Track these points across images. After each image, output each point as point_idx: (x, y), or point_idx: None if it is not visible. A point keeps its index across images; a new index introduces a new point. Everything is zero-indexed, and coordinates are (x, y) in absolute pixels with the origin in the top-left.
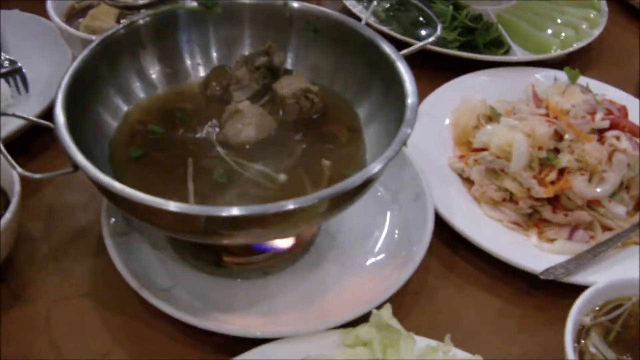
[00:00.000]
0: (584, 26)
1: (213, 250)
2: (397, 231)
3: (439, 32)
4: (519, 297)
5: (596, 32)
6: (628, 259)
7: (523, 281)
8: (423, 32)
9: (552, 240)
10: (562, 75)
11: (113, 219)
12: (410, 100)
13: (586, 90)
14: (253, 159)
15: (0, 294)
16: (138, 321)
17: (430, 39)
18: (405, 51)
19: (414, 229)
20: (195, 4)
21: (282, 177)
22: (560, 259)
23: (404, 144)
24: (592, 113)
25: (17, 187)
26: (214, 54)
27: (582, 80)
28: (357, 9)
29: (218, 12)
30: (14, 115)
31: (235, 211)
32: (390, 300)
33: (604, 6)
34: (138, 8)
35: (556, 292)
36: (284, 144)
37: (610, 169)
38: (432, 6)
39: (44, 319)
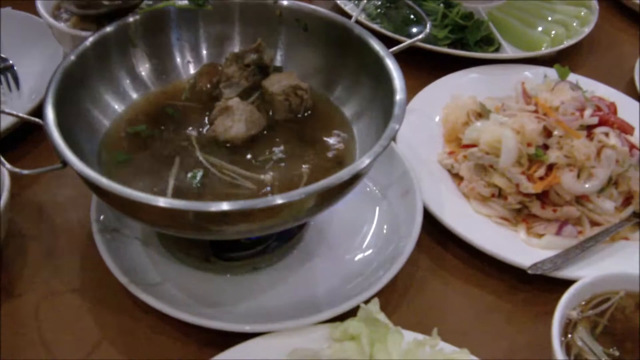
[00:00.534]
0: (574, 24)
1: (202, 246)
2: (385, 226)
3: (428, 29)
4: (507, 291)
5: (586, 30)
6: (616, 254)
7: (511, 276)
8: (414, 30)
9: (540, 236)
10: (552, 72)
11: (102, 216)
12: (399, 96)
13: (575, 87)
14: (241, 155)
15: None
16: (127, 317)
17: (420, 37)
18: (394, 48)
19: (403, 224)
20: (185, 1)
21: (268, 174)
22: (549, 254)
23: (393, 139)
24: (581, 110)
25: (6, 183)
26: (204, 52)
27: (572, 77)
28: (347, 6)
29: (208, 10)
30: (3, 112)
31: (223, 206)
32: (378, 294)
33: (595, 4)
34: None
35: (544, 286)
36: (273, 140)
37: (598, 164)
38: (422, 4)
39: (33, 314)
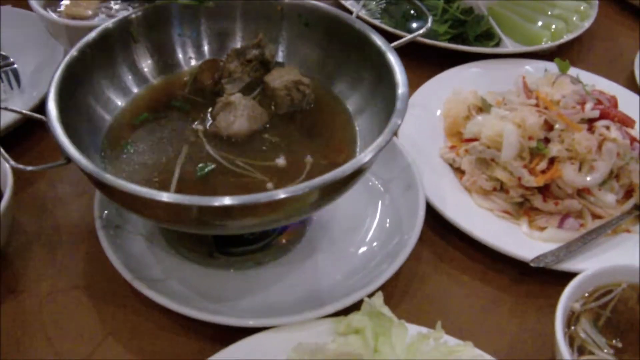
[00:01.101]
0: (574, 18)
1: (206, 242)
2: (388, 220)
3: (429, 24)
4: (509, 284)
5: (586, 24)
6: (618, 247)
7: (514, 269)
8: (414, 25)
9: (542, 229)
10: (552, 66)
11: (106, 212)
12: (401, 90)
13: (576, 80)
14: (243, 151)
15: None
16: (131, 312)
17: (421, 31)
18: (395, 43)
19: (406, 218)
20: None
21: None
22: (551, 246)
23: (395, 134)
24: (582, 103)
25: (9, 180)
26: (206, 47)
27: (572, 71)
28: (348, 2)
29: (210, 6)
30: (6, 108)
31: (227, 201)
32: (381, 288)
33: None
34: None
35: (547, 279)
36: (275, 135)
37: (600, 158)
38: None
39: (37, 311)
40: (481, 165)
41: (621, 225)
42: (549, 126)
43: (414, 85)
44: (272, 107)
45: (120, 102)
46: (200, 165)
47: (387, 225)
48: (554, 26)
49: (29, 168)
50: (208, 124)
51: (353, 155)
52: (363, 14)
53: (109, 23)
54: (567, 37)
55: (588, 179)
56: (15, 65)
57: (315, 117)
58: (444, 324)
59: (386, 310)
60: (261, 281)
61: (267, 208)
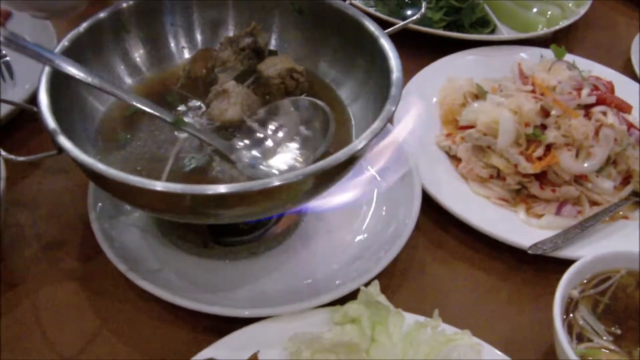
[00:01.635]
0: (570, 4)
1: (200, 232)
2: (384, 208)
3: (423, 9)
4: (507, 272)
5: (582, 10)
6: (616, 233)
7: (511, 257)
8: (408, 12)
9: (540, 216)
10: (548, 53)
11: (100, 204)
12: (395, 75)
13: (572, 66)
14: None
15: None
16: (126, 304)
17: (415, 17)
18: (389, 30)
19: (402, 207)
20: None
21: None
22: (549, 234)
23: (389, 120)
24: (578, 89)
25: (2, 172)
26: (199, 37)
27: (568, 57)
28: None
29: None
30: None
31: (220, 189)
32: (378, 277)
33: None
34: None
35: (545, 267)
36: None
37: (597, 144)
38: None
39: (32, 304)
40: (477, 152)
41: (619, 212)
42: (545, 112)
43: (408, 73)
44: (266, 96)
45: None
46: (197, 154)
47: (383, 213)
48: (549, 12)
49: (21, 158)
50: (201, 112)
51: (347, 143)
52: (356, 1)
53: (101, 13)
54: (562, 24)
55: (585, 165)
56: (8, 58)
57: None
58: (441, 312)
59: (383, 299)
60: (256, 271)
61: (261, 196)
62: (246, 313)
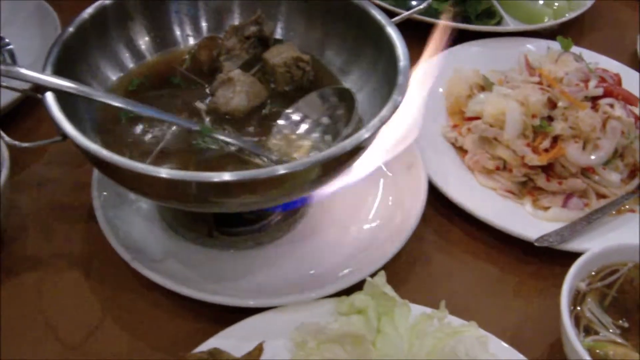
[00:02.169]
0: None
1: (205, 222)
2: (390, 199)
3: None
4: (514, 264)
5: (589, 2)
6: (622, 226)
7: (518, 249)
8: (414, 3)
9: (546, 208)
10: (554, 45)
11: (104, 192)
12: (402, 63)
13: (579, 58)
14: (241, 127)
15: None
16: (130, 293)
17: (421, 6)
18: (395, 19)
19: (408, 198)
20: None
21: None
22: (555, 226)
23: (396, 110)
24: (586, 81)
25: (6, 159)
26: (204, 25)
27: (575, 50)
28: None
29: None
30: (1, 86)
31: (226, 177)
32: (384, 268)
33: None
34: None
35: (551, 259)
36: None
37: (604, 136)
38: None
39: (35, 292)
40: (484, 144)
41: (625, 205)
42: (552, 104)
43: (414, 64)
44: (272, 84)
45: (116, 79)
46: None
47: (390, 204)
48: (556, 4)
49: (25, 144)
50: (206, 101)
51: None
52: None
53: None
54: (569, 16)
55: (592, 157)
56: (12, 46)
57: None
58: (447, 304)
59: (389, 290)
60: (262, 261)
61: (266, 184)
62: (251, 303)
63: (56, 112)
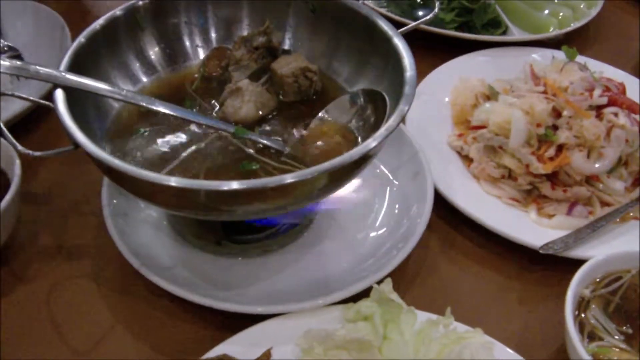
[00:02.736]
0: (581, 6)
1: (214, 230)
2: (397, 206)
3: (436, 9)
4: (518, 271)
5: (593, 12)
6: (627, 234)
7: (522, 256)
8: (420, 13)
9: (551, 216)
10: (559, 54)
11: (114, 200)
12: (409, 73)
13: (584, 67)
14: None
15: (0, 276)
16: (139, 300)
17: (428, 17)
18: (402, 29)
19: (414, 205)
20: None
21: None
22: (560, 234)
23: (402, 121)
24: (590, 90)
25: (17, 168)
26: (213, 35)
27: (580, 59)
28: None
29: None
30: (13, 95)
31: (234, 185)
32: (390, 275)
33: None
34: None
35: (555, 267)
36: (282, 121)
37: (608, 144)
38: None
39: (45, 299)
40: (489, 152)
41: (629, 213)
42: (557, 113)
43: (421, 73)
44: (280, 95)
45: (127, 89)
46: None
47: (396, 211)
48: (561, 14)
49: (38, 153)
50: (215, 111)
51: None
52: (369, 3)
53: (117, 10)
54: (574, 25)
55: (596, 165)
56: (22, 57)
57: (322, 104)
58: (452, 310)
59: (395, 296)
60: (269, 269)
61: (275, 192)
62: (259, 310)
63: (68, 121)
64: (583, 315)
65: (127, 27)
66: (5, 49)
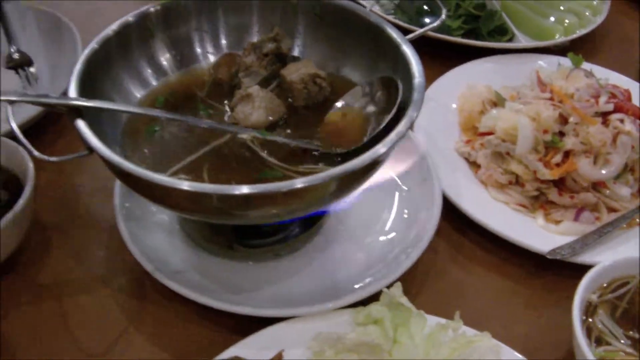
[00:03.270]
0: (587, 13)
1: (225, 234)
2: (406, 211)
3: (443, 16)
4: (526, 276)
5: (599, 19)
6: (633, 240)
7: (530, 261)
8: (427, 21)
9: (558, 222)
10: (565, 61)
11: (127, 204)
12: (417, 80)
13: (590, 74)
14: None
15: (14, 280)
16: (151, 303)
17: (435, 23)
18: (410, 36)
19: (423, 211)
20: None
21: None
22: (567, 239)
23: (410, 127)
24: (596, 96)
25: (31, 173)
26: (224, 41)
27: (586, 66)
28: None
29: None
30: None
31: (246, 190)
32: (400, 280)
33: None
34: None
35: (562, 272)
36: (292, 127)
37: (614, 151)
38: None
39: (58, 303)
40: (496, 158)
41: (636, 219)
42: (563, 119)
43: (428, 80)
44: (289, 100)
45: (140, 95)
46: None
47: (405, 215)
48: (567, 21)
49: (53, 158)
50: (226, 116)
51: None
52: (376, 10)
53: (129, 16)
54: (580, 32)
55: (603, 172)
56: (33, 62)
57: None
58: (461, 314)
59: (405, 300)
60: (280, 272)
61: (286, 197)
62: (270, 313)
63: (83, 126)
64: (590, 320)
65: (139, 34)
66: (16, 55)
